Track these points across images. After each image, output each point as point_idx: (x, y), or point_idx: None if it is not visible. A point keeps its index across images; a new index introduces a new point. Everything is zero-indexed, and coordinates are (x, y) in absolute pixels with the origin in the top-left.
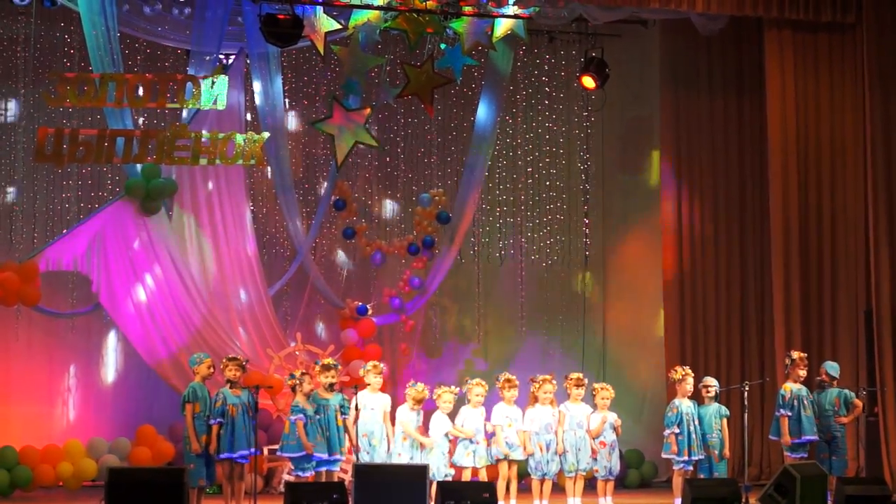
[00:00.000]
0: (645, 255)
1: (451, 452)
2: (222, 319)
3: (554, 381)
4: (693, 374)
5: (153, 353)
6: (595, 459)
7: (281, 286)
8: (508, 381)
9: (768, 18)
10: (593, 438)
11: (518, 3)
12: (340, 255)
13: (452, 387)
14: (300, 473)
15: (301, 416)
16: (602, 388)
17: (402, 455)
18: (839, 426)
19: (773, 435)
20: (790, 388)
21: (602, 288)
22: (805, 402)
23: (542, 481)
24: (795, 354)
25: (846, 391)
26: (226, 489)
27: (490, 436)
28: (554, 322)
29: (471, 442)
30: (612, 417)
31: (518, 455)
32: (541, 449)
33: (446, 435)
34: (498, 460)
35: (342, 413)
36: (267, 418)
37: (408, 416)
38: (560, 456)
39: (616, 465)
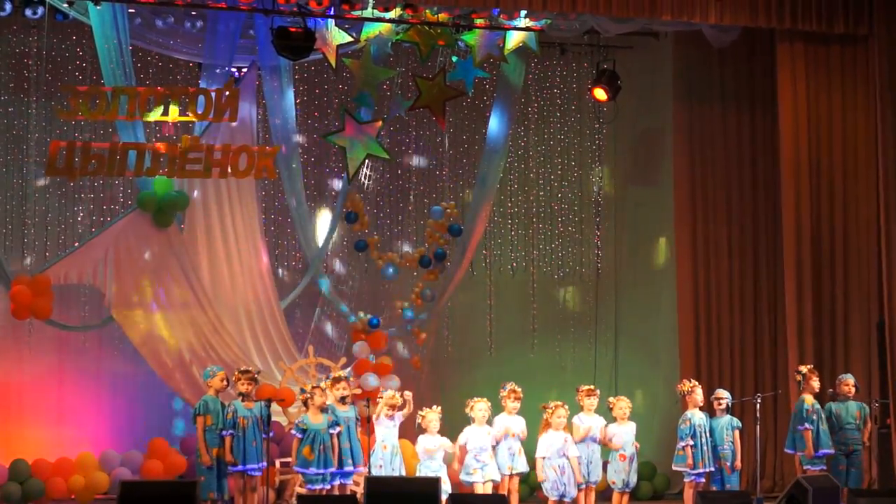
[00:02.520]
0: (657, 267)
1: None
2: (234, 332)
3: (566, 406)
4: (701, 386)
5: (165, 366)
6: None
7: (293, 299)
8: (514, 391)
9: (781, 30)
10: (614, 449)
11: (530, 15)
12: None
13: (435, 407)
14: (310, 486)
15: (298, 433)
16: (619, 400)
17: (383, 466)
18: (859, 439)
19: (789, 448)
20: (811, 401)
21: (615, 300)
22: (821, 414)
23: (560, 502)
24: (805, 368)
25: (863, 404)
26: (238, 502)
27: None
28: (566, 335)
29: (476, 460)
30: (631, 430)
31: (521, 467)
32: (555, 471)
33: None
34: (503, 474)
35: (357, 426)
36: (279, 431)
37: (386, 424)
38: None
39: (633, 478)
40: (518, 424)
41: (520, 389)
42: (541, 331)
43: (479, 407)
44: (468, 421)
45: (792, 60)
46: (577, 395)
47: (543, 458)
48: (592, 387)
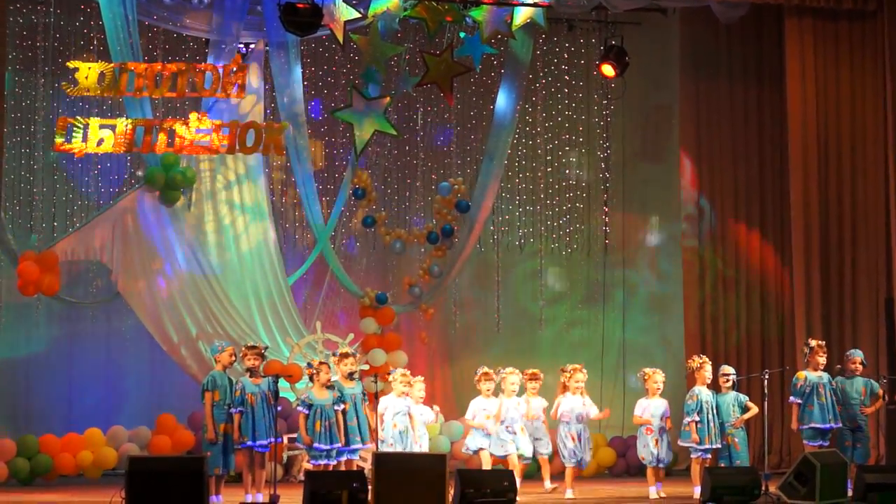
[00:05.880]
0: (665, 242)
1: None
2: (241, 308)
3: (584, 371)
4: (710, 362)
5: (172, 341)
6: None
7: (300, 275)
8: (486, 374)
9: (789, 6)
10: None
11: None
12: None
13: (419, 377)
14: (315, 462)
15: (304, 408)
16: (654, 373)
17: (394, 445)
18: (864, 415)
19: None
20: (804, 375)
21: (622, 276)
22: (821, 389)
23: (578, 468)
24: (813, 342)
25: (871, 380)
26: (246, 478)
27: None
28: (573, 311)
29: (508, 431)
30: (663, 406)
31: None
32: (573, 439)
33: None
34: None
35: (365, 401)
36: (287, 407)
37: (394, 403)
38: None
39: (668, 455)
40: (493, 406)
41: (491, 371)
42: (548, 307)
43: (511, 379)
44: (477, 395)
45: (800, 36)
46: (562, 376)
47: (559, 420)
48: (579, 366)
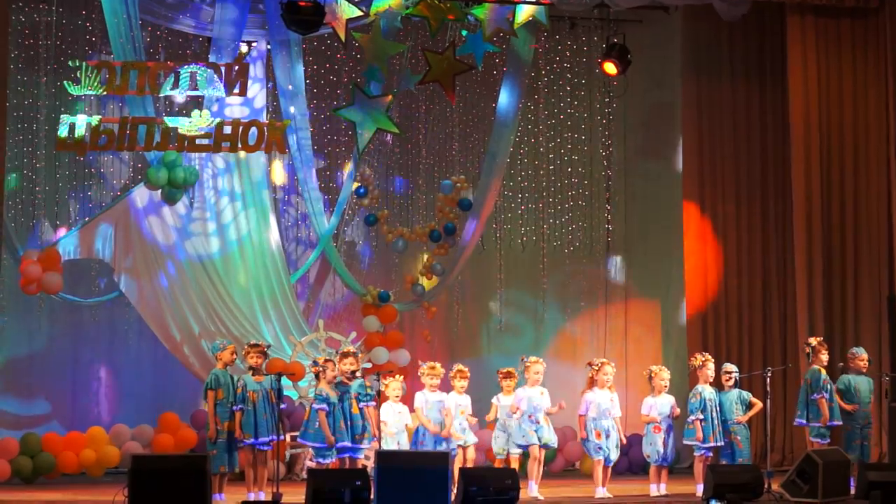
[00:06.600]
0: (667, 241)
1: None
2: (244, 306)
3: (613, 364)
4: (713, 360)
5: (174, 340)
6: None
7: (302, 273)
8: (460, 371)
9: (791, 3)
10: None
11: None
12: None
13: (397, 376)
14: (321, 460)
15: (324, 405)
16: (661, 370)
17: (425, 443)
18: (869, 414)
19: (800, 420)
20: (824, 371)
21: (625, 274)
22: (831, 386)
23: (604, 466)
24: (814, 341)
25: (871, 379)
26: (248, 476)
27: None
28: (576, 309)
29: (531, 421)
30: (669, 403)
31: (472, 439)
32: (598, 436)
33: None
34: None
35: (360, 400)
36: (289, 405)
37: (425, 399)
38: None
39: (672, 453)
40: (467, 402)
41: (466, 369)
42: (551, 305)
43: (535, 368)
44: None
45: (802, 34)
46: (589, 370)
47: (586, 416)
48: (606, 360)
